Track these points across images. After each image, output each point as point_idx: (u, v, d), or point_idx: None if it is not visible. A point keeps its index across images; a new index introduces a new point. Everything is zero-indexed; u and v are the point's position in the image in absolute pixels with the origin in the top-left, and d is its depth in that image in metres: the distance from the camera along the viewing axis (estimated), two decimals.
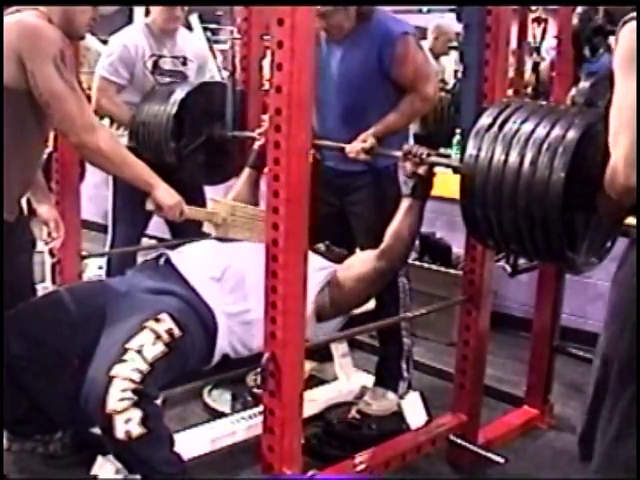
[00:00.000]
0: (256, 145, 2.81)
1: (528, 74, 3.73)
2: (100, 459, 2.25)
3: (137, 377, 1.95)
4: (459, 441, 2.58)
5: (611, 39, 2.81)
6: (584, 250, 1.96)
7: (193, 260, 2.40)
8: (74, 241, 2.80)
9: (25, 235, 2.40)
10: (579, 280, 3.41)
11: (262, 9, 3.06)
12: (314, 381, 3.02)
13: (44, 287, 3.19)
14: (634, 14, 1.66)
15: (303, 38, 1.82)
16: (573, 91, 2.71)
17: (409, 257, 2.59)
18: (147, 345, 2.02)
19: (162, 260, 2.41)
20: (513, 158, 1.91)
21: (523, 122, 1.95)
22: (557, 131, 1.87)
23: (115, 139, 2.23)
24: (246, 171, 2.83)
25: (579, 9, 2.67)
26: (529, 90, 3.76)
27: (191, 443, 2.37)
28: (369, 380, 2.95)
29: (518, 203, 1.89)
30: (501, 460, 2.48)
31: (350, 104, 2.70)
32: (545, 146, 1.86)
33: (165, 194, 2.29)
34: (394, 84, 2.68)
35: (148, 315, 2.10)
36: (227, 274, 2.32)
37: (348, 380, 3.01)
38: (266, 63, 2.87)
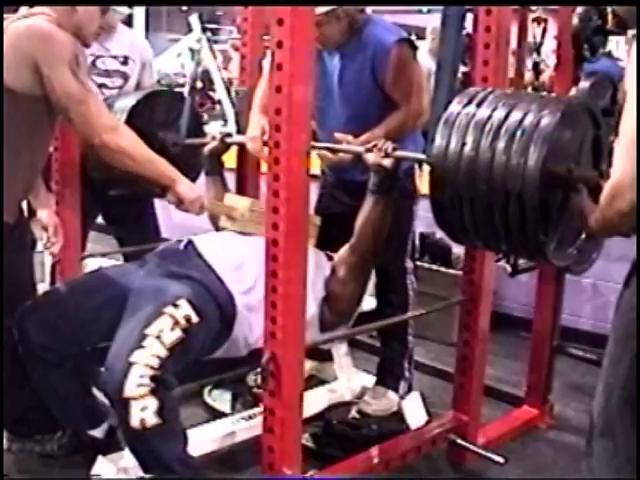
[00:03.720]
0: (206, 150, 2.73)
1: (529, 75, 3.74)
2: (100, 459, 2.26)
3: (156, 363, 1.97)
4: (459, 441, 2.58)
5: (611, 39, 2.81)
6: (557, 240, 1.91)
7: (216, 247, 2.40)
8: (74, 241, 2.80)
9: (25, 235, 2.40)
10: (579, 280, 3.41)
11: (262, 9, 3.06)
12: (314, 381, 3.03)
13: (44, 287, 3.19)
14: None
15: (303, 38, 1.83)
16: (573, 91, 2.71)
17: (380, 249, 2.44)
18: (166, 331, 2.04)
19: (182, 245, 2.41)
20: (485, 146, 1.83)
21: (495, 109, 1.88)
22: (531, 117, 1.80)
23: (136, 137, 2.23)
24: (209, 180, 2.75)
25: (579, 9, 2.67)
26: (529, 90, 3.76)
27: (191, 443, 2.36)
28: (369, 380, 2.96)
29: (493, 193, 1.82)
30: (501, 460, 2.48)
31: (352, 116, 2.68)
32: (519, 133, 1.80)
33: (187, 189, 2.29)
34: (388, 98, 2.63)
35: (167, 301, 2.11)
36: (246, 265, 2.32)
37: (348, 380, 3.01)
38: (266, 63, 2.86)
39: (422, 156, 2.20)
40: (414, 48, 2.66)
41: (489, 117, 1.87)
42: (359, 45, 2.60)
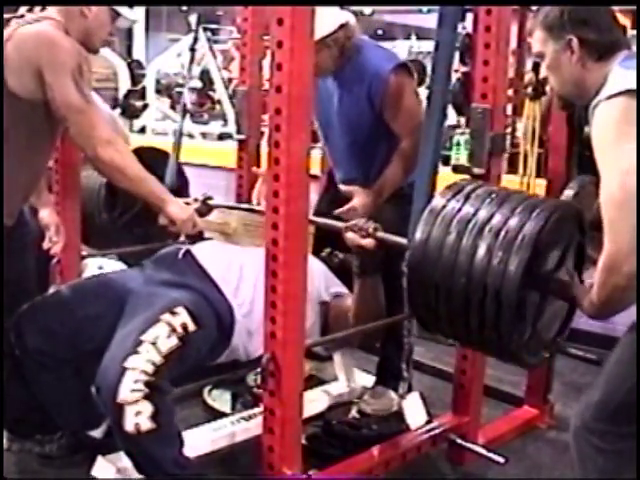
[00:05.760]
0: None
1: (529, 76, 3.73)
2: (100, 459, 2.26)
3: (150, 369, 1.96)
4: (459, 441, 2.58)
5: None
6: (530, 341, 1.89)
7: (214, 256, 2.41)
8: (74, 241, 2.80)
9: (25, 237, 2.40)
10: None
11: (262, 9, 3.06)
12: (314, 381, 3.02)
13: None
14: (603, 96, 1.64)
15: (303, 38, 1.83)
16: None
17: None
18: (162, 338, 2.04)
19: (181, 253, 2.41)
20: (468, 244, 1.82)
21: (480, 207, 1.87)
22: (516, 220, 1.79)
23: (130, 154, 2.24)
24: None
25: None
26: (529, 90, 3.75)
27: (191, 443, 2.36)
28: (369, 380, 2.96)
29: (471, 286, 1.81)
30: (501, 460, 2.48)
31: (352, 142, 2.69)
32: (502, 234, 1.78)
33: (177, 209, 2.31)
34: (387, 125, 2.62)
35: (164, 308, 2.11)
36: (245, 275, 2.32)
37: (348, 380, 3.01)
38: (266, 63, 2.86)
39: (404, 241, 2.16)
40: (410, 73, 2.66)
41: (474, 214, 1.86)
42: (355, 73, 2.60)
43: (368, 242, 2.19)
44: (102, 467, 2.25)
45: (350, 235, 2.22)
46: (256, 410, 2.63)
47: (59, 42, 2.10)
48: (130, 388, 1.93)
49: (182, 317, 2.10)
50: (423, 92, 3.59)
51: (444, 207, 1.91)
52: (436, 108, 2.14)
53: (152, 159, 2.96)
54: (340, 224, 2.31)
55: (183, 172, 3.13)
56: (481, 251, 1.80)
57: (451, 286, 1.84)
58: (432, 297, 1.89)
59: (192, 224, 2.34)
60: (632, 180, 1.54)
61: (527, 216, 1.79)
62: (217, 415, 2.76)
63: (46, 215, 2.53)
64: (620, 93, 1.60)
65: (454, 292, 1.84)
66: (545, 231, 1.77)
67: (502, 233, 1.79)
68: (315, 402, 2.79)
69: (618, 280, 1.55)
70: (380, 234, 2.20)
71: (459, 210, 1.88)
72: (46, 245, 2.51)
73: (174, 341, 2.05)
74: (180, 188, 2.98)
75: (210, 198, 2.76)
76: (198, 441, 2.43)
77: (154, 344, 2.01)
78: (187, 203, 2.69)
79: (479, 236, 1.81)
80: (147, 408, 1.93)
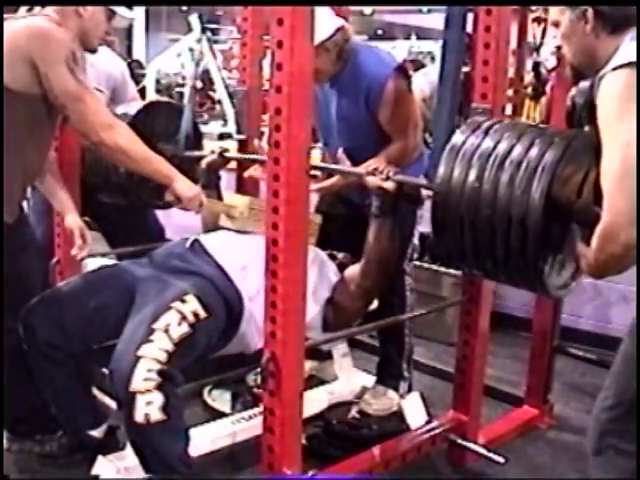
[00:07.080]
0: (203, 163, 2.73)
1: (530, 76, 3.74)
2: (100, 459, 2.26)
3: (163, 357, 1.98)
4: (459, 441, 2.58)
5: None
6: (556, 270, 1.91)
7: (222, 245, 2.42)
8: (74, 241, 2.79)
9: (26, 235, 2.40)
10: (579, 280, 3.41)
11: (262, 9, 3.06)
12: (314, 381, 3.02)
13: None
14: (608, 68, 1.65)
15: (303, 38, 1.83)
16: (573, 91, 2.70)
17: (391, 275, 2.52)
18: (173, 325, 2.06)
19: (189, 243, 2.42)
20: (490, 178, 1.84)
21: (499, 140, 1.88)
22: (536, 150, 1.81)
23: (133, 135, 2.24)
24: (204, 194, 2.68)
25: None
26: (529, 90, 3.76)
27: (191, 443, 2.36)
28: (369, 380, 2.96)
29: (496, 217, 1.82)
30: (501, 460, 2.48)
31: (351, 145, 2.69)
32: (523, 165, 1.80)
33: (184, 186, 2.31)
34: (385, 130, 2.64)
35: (174, 296, 2.13)
36: (251, 264, 2.32)
37: (348, 380, 3.01)
38: (266, 63, 2.86)
39: (424, 182, 2.20)
40: (407, 75, 2.66)
41: (494, 148, 1.88)
42: (352, 78, 2.61)
43: (389, 184, 2.22)
44: (102, 467, 2.25)
45: (371, 178, 2.25)
46: (256, 410, 2.63)
47: (50, 33, 2.10)
48: (143, 377, 1.94)
49: (192, 305, 2.12)
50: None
51: (464, 143, 1.92)
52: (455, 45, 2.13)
53: (169, 113, 2.97)
54: (360, 169, 2.35)
55: (197, 125, 3.12)
56: (503, 183, 1.82)
57: (476, 219, 1.86)
58: (457, 231, 1.91)
59: (198, 202, 2.34)
60: (633, 152, 1.55)
61: (546, 146, 1.81)
62: (217, 415, 2.76)
63: (70, 220, 2.51)
64: (624, 65, 1.61)
65: (479, 225, 1.86)
66: (565, 159, 1.79)
67: (523, 164, 1.81)
68: (315, 402, 2.79)
69: (614, 248, 1.56)
70: (399, 177, 2.24)
71: (479, 145, 1.90)
72: (74, 251, 2.48)
73: (185, 328, 2.07)
74: (195, 140, 2.99)
75: (227, 150, 2.79)
76: (198, 441, 2.42)
77: (166, 331, 2.03)
78: (202, 157, 2.76)
79: (500, 169, 1.83)
80: (158, 399, 1.94)
